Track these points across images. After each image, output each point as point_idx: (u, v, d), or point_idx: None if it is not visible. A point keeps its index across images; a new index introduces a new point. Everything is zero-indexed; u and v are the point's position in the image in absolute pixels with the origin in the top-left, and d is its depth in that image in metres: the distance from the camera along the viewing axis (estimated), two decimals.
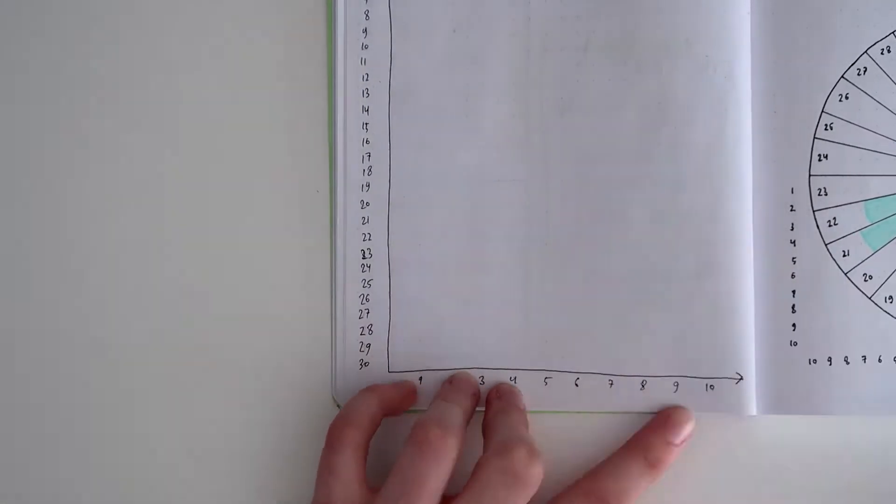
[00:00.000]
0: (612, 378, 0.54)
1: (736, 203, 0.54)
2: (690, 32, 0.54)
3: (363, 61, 0.57)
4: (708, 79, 0.54)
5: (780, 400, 0.54)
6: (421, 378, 0.56)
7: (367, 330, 0.56)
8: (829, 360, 0.53)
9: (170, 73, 0.59)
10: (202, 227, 0.59)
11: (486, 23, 0.56)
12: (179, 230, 0.59)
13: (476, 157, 0.56)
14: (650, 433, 0.53)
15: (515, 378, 0.55)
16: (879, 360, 0.53)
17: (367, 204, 0.57)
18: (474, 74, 0.56)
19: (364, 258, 0.57)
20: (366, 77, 0.57)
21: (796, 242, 0.54)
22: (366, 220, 0.57)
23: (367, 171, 0.57)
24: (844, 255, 0.54)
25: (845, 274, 0.54)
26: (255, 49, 0.59)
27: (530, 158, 0.56)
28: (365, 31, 0.57)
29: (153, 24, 0.59)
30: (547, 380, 0.55)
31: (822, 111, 0.54)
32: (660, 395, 0.54)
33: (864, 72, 0.54)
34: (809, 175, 0.54)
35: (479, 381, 0.56)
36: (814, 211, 0.54)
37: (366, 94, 0.57)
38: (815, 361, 0.54)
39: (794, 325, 0.54)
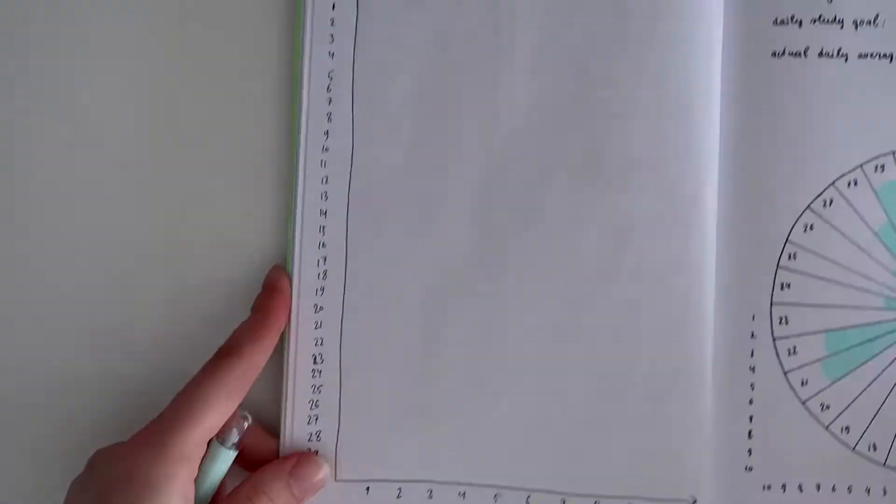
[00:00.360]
0: (564, 497, 0.54)
1: (696, 327, 0.54)
2: (659, 153, 0.54)
3: (323, 164, 0.55)
4: (674, 201, 0.54)
5: None
6: (368, 488, 0.55)
7: (316, 437, 0.55)
8: (784, 486, 0.54)
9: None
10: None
11: (451, 133, 0.55)
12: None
13: (434, 269, 0.55)
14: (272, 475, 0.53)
15: (465, 493, 0.54)
16: (833, 490, 0.54)
17: (321, 308, 0.55)
18: (436, 184, 0.55)
19: (315, 363, 0.55)
20: (325, 180, 0.55)
21: (755, 369, 0.55)
22: (318, 325, 0.55)
23: (321, 275, 0.55)
24: (803, 384, 0.54)
25: (803, 403, 0.54)
26: (213, 155, 0.56)
27: (490, 273, 0.55)
28: (326, 133, 0.55)
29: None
30: (497, 496, 0.54)
31: (787, 240, 0.55)
32: None
33: (830, 203, 0.55)
34: (771, 303, 0.55)
35: (427, 494, 0.55)
36: (774, 339, 0.55)
37: (324, 197, 0.55)
38: (769, 487, 0.54)
39: (749, 450, 0.54)
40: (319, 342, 0.55)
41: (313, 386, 0.55)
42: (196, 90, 0.56)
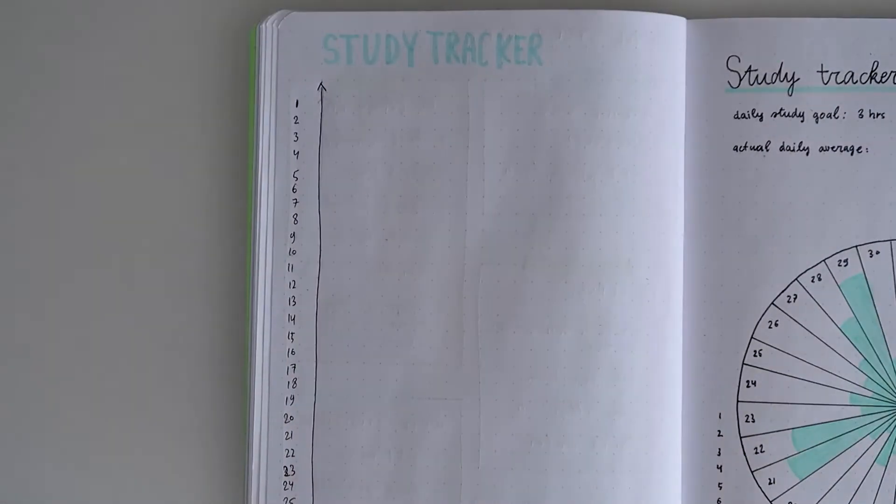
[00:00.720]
0: None
1: (668, 428, 0.54)
2: (631, 254, 0.54)
3: (290, 267, 0.55)
4: (647, 301, 0.54)
5: None
6: None
7: None
8: None
9: None
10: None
11: (421, 233, 0.55)
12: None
13: (406, 373, 0.54)
14: None
15: None
16: None
17: (291, 418, 0.54)
18: (407, 286, 0.55)
19: (287, 475, 0.54)
20: (292, 284, 0.55)
21: (723, 468, 0.55)
22: (289, 435, 0.54)
23: (291, 384, 0.55)
24: (770, 483, 0.54)
25: (771, 502, 0.54)
26: (175, 254, 0.56)
27: (463, 376, 0.54)
28: (293, 235, 0.55)
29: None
30: None
31: (752, 337, 0.55)
32: None
33: (795, 299, 0.55)
34: (738, 401, 0.55)
35: None
36: (741, 437, 0.55)
37: (292, 303, 0.55)
38: None
39: None
40: (290, 453, 0.54)
41: (285, 499, 0.54)
42: (146, 196, 0.56)
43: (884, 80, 0.55)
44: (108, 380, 0.56)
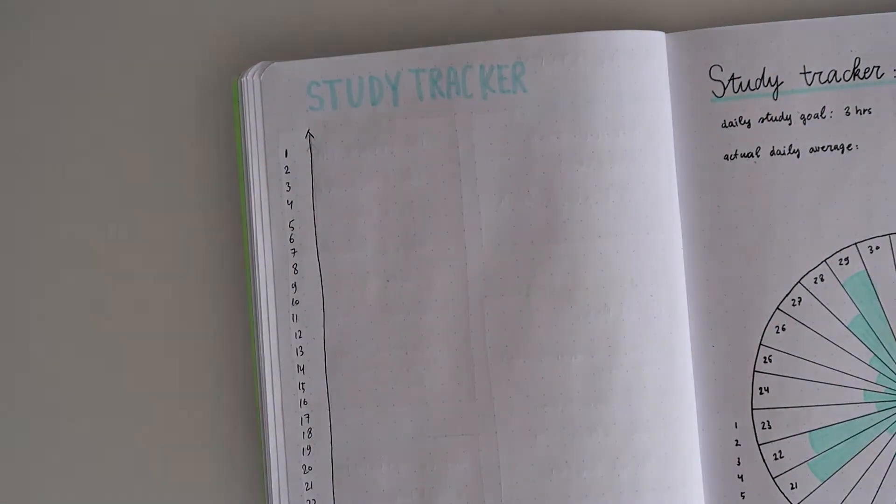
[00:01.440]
0: None
1: (686, 442, 0.54)
2: (634, 272, 0.54)
3: (294, 317, 0.55)
4: (654, 317, 0.54)
5: None
6: None
7: None
8: None
9: None
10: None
11: (422, 271, 0.55)
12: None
13: (421, 413, 0.54)
14: None
15: None
16: None
17: (310, 468, 0.54)
18: (412, 325, 0.54)
19: None
20: (298, 334, 0.55)
21: (743, 477, 0.55)
22: (309, 486, 0.54)
23: (307, 434, 0.54)
24: (793, 488, 0.54)
25: None
26: (176, 340, 0.56)
27: (477, 410, 0.54)
28: (294, 285, 0.55)
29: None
30: None
31: (760, 344, 0.55)
32: None
33: (799, 302, 0.55)
34: (752, 409, 0.55)
35: None
36: (759, 445, 0.55)
37: (299, 353, 0.55)
38: None
39: None
40: (312, 503, 0.54)
41: None
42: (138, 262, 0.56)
43: (867, 75, 0.55)
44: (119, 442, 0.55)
